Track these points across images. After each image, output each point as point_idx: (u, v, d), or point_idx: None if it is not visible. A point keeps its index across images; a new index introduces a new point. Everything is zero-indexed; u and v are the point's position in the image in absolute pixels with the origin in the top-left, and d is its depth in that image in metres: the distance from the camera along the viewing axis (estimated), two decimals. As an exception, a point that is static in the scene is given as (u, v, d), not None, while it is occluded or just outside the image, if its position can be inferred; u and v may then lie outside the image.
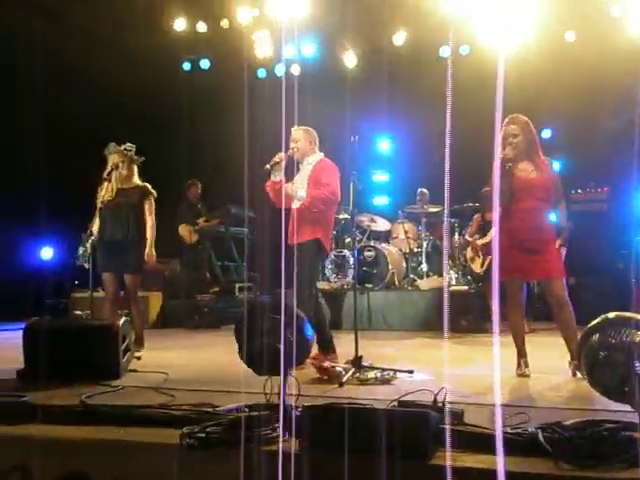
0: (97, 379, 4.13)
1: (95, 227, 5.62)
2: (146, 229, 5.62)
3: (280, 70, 10.77)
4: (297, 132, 5.16)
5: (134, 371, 4.62)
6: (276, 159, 4.99)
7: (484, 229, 7.26)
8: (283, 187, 5.01)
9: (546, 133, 9.52)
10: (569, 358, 4.32)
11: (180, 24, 10.06)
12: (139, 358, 5.16)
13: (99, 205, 5.63)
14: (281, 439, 2.79)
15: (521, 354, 4.49)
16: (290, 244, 5.00)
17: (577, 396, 3.67)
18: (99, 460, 2.88)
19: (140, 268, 5.67)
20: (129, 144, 5.71)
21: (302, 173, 5.22)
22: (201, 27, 10.31)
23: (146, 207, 5.64)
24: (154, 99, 9.73)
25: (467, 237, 7.65)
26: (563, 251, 4.79)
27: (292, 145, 5.12)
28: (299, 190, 5.08)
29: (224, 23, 10.17)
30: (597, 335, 3.32)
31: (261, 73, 10.84)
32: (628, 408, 2.84)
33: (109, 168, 5.57)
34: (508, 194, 4.38)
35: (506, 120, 4.46)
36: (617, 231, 7.86)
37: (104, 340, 4.41)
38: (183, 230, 9.33)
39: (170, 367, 4.74)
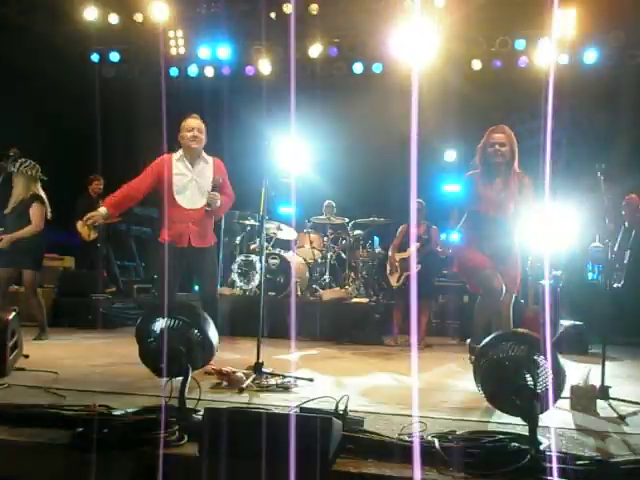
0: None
1: None
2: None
3: (193, 71, 10.65)
4: (200, 122, 4.99)
5: (21, 369, 4.38)
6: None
7: (409, 242, 7.35)
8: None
9: (450, 155, 9.93)
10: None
11: (91, 13, 9.72)
12: (27, 356, 4.90)
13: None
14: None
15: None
16: (195, 246, 4.91)
17: (473, 408, 3.79)
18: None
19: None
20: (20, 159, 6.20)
21: (198, 171, 4.96)
22: (113, 19, 10.02)
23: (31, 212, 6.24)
24: (59, 88, 9.32)
25: (389, 251, 7.73)
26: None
27: (195, 133, 4.89)
28: (217, 197, 4.89)
29: (137, 17, 9.93)
30: (490, 351, 3.46)
31: (173, 72, 10.66)
32: (519, 421, 2.97)
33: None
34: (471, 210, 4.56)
35: (491, 128, 4.48)
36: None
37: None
38: (81, 227, 8.93)
39: (61, 367, 4.53)
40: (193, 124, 4.95)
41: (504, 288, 4.49)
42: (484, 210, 4.47)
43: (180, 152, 4.99)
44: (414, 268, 6.89)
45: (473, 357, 4.54)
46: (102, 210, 4.84)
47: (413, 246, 7.07)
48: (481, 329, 4.60)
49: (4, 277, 6.17)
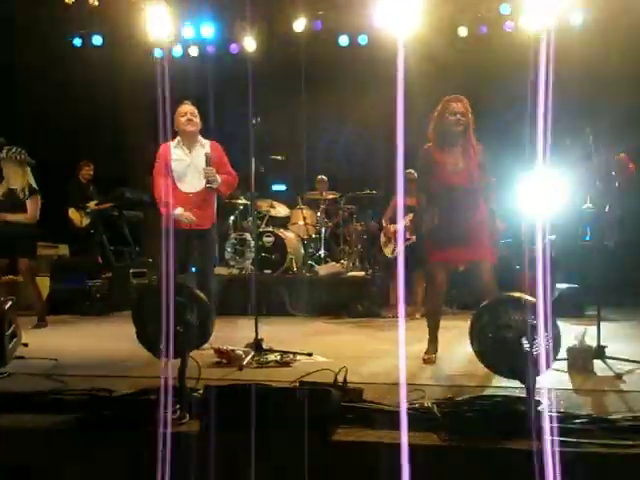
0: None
1: None
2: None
3: (178, 51, 10.52)
4: (192, 107, 5.07)
5: (21, 358, 4.38)
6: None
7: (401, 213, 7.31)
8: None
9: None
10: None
11: (70, -3, 9.55)
12: (26, 345, 4.91)
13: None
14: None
15: (432, 339, 4.49)
16: (196, 228, 4.93)
17: (471, 373, 3.83)
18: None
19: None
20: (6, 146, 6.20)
21: (196, 155, 5.02)
22: (92, 0, 9.84)
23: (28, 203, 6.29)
24: (43, 76, 9.21)
25: (383, 221, 7.72)
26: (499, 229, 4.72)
27: (189, 117, 4.98)
28: (217, 176, 4.92)
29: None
30: (487, 315, 3.48)
31: (157, 53, 10.51)
32: (518, 384, 2.99)
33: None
34: (430, 184, 4.41)
35: (447, 98, 4.38)
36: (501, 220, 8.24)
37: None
38: (73, 213, 8.94)
39: (60, 353, 4.56)
40: (186, 109, 5.03)
41: (445, 286, 4.45)
42: (446, 180, 4.34)
43: (177, 139, 5.07)
44: (401, 244, 6.87)
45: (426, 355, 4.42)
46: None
47: (400, 224, 7.08)
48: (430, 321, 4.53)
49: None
